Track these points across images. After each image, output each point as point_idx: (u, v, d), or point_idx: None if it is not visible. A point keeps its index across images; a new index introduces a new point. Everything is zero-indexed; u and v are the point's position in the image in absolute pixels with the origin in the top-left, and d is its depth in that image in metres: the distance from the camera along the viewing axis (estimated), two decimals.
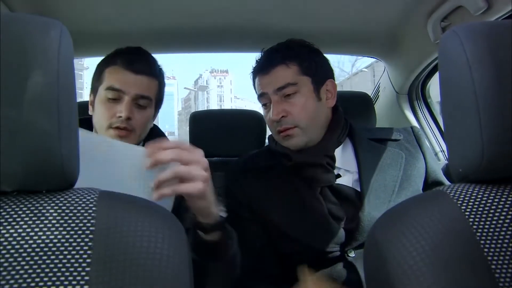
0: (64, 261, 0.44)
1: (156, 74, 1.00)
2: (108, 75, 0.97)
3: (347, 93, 1.50)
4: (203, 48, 1.55)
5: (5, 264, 0.43)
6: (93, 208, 0.48)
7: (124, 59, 0.97)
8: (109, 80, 0.96)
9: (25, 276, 0.43)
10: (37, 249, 0.44)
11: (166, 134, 1.15)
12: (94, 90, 1.00)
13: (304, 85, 0.96)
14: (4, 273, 0.42)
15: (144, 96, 0.96)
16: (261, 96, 1.01)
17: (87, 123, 1.05)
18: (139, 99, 0.95)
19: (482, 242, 0.48)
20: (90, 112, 1.01)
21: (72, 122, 0.49)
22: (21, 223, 0.45)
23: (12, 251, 0.44)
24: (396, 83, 1.63)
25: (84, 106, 1.17)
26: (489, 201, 0.51)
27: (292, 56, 0.97)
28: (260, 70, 1.01)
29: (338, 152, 0.99)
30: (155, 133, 1.03)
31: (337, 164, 0.98)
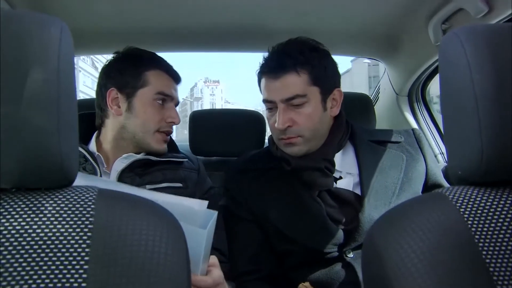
0: (62, 258, 0.44)
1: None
2: (154, 79, 0.97)
3: (347, 94, 1.49)
4: (203, 47, 1.55)
5: (3, 261, 0.43)
6: (92, 206, 0.48)
7: (163, 65, 1.00)
8: (158, 85, 0.97)
9: (23, 273, 0.43)
10: (35, 246, 0.44)
11: None
12: (126, 90, 0.96)
13: (313, 96, 0.94)
14: (2, 270, 0.42)
15: (179, 101, 1.03)
16: (267, 102, 0.98)
17: (86, 120, 1.04)
18: (175, 105, 1.02)
19: (481, 244, 0.48)
20: (114, 112, 0.96)
21: (72, 120, 0.49)
22: (19, 219, 0.45)
23: (10, 248, 0.43)
24: (396, 85, 1.63)
25: (83, 104, 1.16)
26: (488, 203, 0.51)
27: (304, 62, 0.93)
28: (268, 72, 0.96)
29: (339, 155, 0.99)
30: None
31: (338, 167, 0.98)
